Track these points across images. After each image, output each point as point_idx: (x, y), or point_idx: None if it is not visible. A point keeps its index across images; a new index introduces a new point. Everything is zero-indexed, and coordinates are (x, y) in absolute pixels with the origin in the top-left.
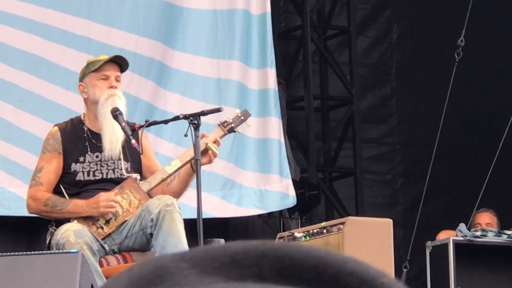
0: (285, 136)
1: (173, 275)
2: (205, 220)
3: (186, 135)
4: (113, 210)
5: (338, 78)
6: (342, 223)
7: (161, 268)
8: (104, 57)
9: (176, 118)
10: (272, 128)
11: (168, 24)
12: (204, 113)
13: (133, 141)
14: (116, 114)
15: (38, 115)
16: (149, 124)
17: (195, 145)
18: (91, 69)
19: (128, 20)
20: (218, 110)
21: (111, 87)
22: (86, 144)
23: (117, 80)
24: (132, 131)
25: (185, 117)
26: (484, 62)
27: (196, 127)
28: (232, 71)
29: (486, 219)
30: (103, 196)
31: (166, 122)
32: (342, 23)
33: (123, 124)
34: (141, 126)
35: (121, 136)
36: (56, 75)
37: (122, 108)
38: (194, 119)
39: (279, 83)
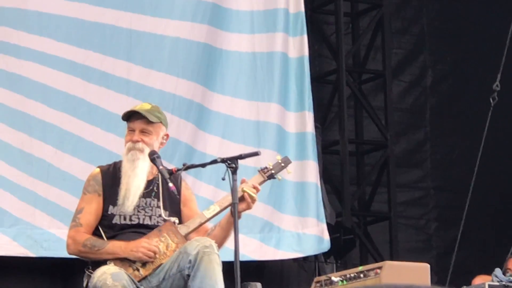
0: (321, 179)
1: None
2: (240, 263)
3: (223, 179)
4: (151, 259)
5: (373, 122)
6: (380, 268)
7: None
8: (140, 107)
9: (214, 161)
10: (310, 171)
11: (207, 66)
12: (241, 157)
13: (170, 184)
14: (154, 157)
15: (77, 156)
16: (187, 167)
17: (233, 189)
18: (124, 119)
19: (168, 62)
20: (255, 154)
21: (132, 140)
22: None
23: (144, 132)
24: (170, 174)
25: (223, 160)
26: None
27: (234, 170)
28: (270, 114)
29: None
30: (144, 242)
31: (204, 165)
32: (377, 67)
33: (161, 167)
34: (178, 170)
35: (137, 193)
36: (96, 116)
37: (146, 165)
38: (231, 163)
39: (315, 127)
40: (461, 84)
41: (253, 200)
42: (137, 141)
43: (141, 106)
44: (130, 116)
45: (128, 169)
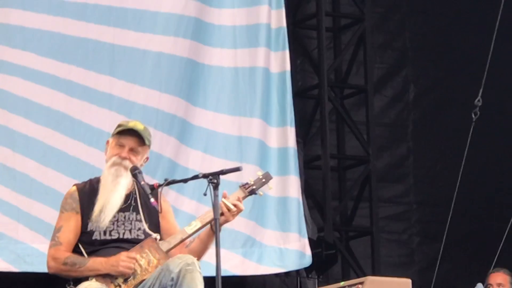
0: (303, 195)
1: None
2: (222, 278)
3: (205, 194)
4: (131, 271)
5: (355, 137)
6: (361, 283)
7: None
8: (129, 123)
9: (195, 177)
10: (292, 186)
11: (190, 81)
12: (223, 172)
13: (152, 199)
14: (135, 172)
15: (60, 171)
16: (168, 183)
17: (214, 204)
18: (115, 132)
19: (151, 77)
20: (237, 170)
21: (120, 156)
22: None
23: (133, 152)
24: (152, 189)
25: (204, 176)
26: (501, 121)
27: (216, 186)
28: (253, 129)
29: (497, 279)
30: (123, 256)
31: (185, 181)
32: (359, 82)
33: (142, 182)
34: (160, 185)
35: (114, 209)
36: (79, 131)
37: (127, 183)
38: (213, 178)
39: (296, 142)
40: (443, 98)
41: (231, 212)
42: (125, 158)
43: (135, 124)
44: (123, 131)
45: (109, 184)
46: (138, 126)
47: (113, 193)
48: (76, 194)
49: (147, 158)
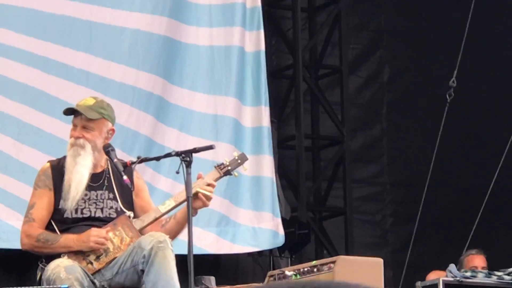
0: (276, 174)
1: None
2: (196, 256)
3: (178, 172)
4: (103, 247)
5: (329, 117)
6: (333, 262)
7: None
8: (83, 102)
9: (168, 155)
10: (265, 166)
11: (167, 59)
12: (196, 150)
13: (124, 177)
14: (108, 150)
15: (37, 148)
16: (141, 160)
17: (187, 182)
18: (67, 114)
19: (128, 54)
20: (210, 148)
21: (74, 136)
22: None
23: (85, 129)
24: (124, 167)
25: (177, 154)
26: (475, 103)
27: (188, 164)
28: (228, 108)
29: (481, 262)
30: (94, 231)
31: (158, 159)
32: (334, 63)
33: (115, 160)
34: (133, 163)
35: (79, 188)
36: (55, 108)
37: (87, 160)
38: (186, 156)
39: (271, 121)
40: (418, 80)
41: (208, 198)
42: (78, 137)
43: (84, 101)
44: (74, 111)
45: (69, 165)
46: (87, 102)
47: (74, 173)
48: (49, 171)
49: (112, 130)
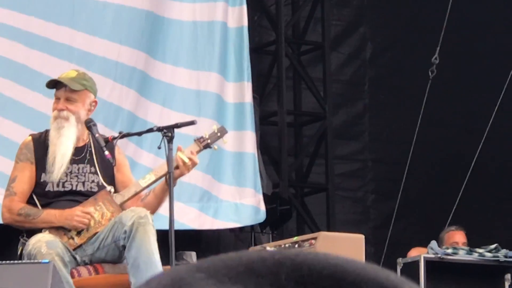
0: (258, 150)
1: (191, 286)
2: (178, 232)
3: (159, 148)
4: (86, 225)
5: (312, 93)
6: (314, 238)
7: (179, 280)
8: (65, 74)
9: (150, 130)
10: (248, 142)
11: (150, 34)
12: (177, 126)
13: (106, 152)
14: (90, 125)
15: (19, 122)
16: (123, 135)
17: (168, 158)
18: (49, 87)
19: (111, 29)
20: (192, 123)
21: (58, 109)
22: None
23: (69, 101)
24: (106, 142)
25: (159, 129)
26: (458, 80)
27: (170, 139)
28: (211, 83)
29: (462, 238)
30: (78, 210)
31: (139, 134)
32: (316, 39)
33: (97, 135)
34: (114, 138)
35: (64, 160)
36: (38, 82)
37: (72, 132)
38: (168, 132)
39: (253, 97)
40: (400, 57)
41: (186, 166)
42: (62, 110)
43: (66, 74)
44: (56, 84)
45: (54, 138)
46: (69, 74)
47: (59, 146)
48: (31, 144)
49: (95, 102)
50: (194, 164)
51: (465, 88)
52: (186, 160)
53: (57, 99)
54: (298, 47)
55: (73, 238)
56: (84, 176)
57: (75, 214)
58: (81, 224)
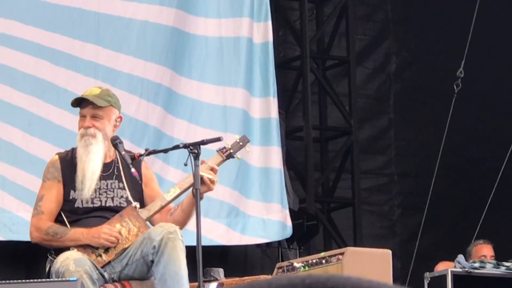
0: (284, 166)
1: None
2: (205, 247)
3: (186, 164)
4: (113, 243)
5: (337, 108)
6: (342, 254)
7: None
8: (89, 92)
9: (176, 147)
10: (274, 157)
11: (175, 50)
12: (204, 142)
13: (132, 169)
14: (115, 142)
15: (46, 139)
16: (149, 153)
17: (195, 174)
18: (74, 106)
19: (136, 46)
20: (218, 140)
21: (84, 127)
22: None
23: (95, 118)
24: (132, 159)
25: (185, 146)
26: (483, 93)
27: (196, 156)
28: (237, 99)
29: (489, 251)
30: (105, 228)
31: (165, 151)
32: (341, 54)
33: (123, 152)
34: (141, 155)
35: (94, 177)
36: (64, 99)
37: (99, 149)
38: (193, 148)
39: (278, 113)
40: (425, 70)
41: (212, 182)
42: (89, 127)
43: (90, 91)
44: (81, 102)
45: (82, 155)
46: (93, 91)
47: (88, 163)
48: (58, 163)
49: (120, 117)
50: (214, 180)
51: (490, 100)
52: (211, 177)
53: (83, 116)
54: (323, 62)
55: (101, 256)
56: (113, 191)
57: (102, 232)
58: (108, 242)
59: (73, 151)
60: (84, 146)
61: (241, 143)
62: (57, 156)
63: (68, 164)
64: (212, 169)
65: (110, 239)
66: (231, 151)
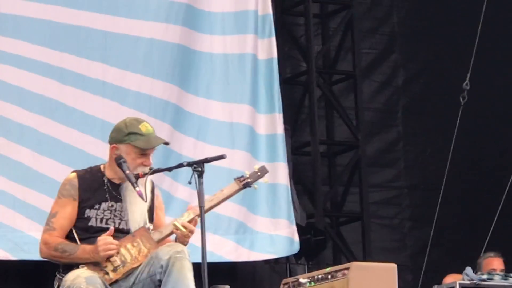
0: (291, 181)
1: None
2: (213, 264)
3: (190, 183)
4: (113, 252)
5: (344, 123)
6: (347, 269)
7: None
8: (147, 130)
9: (180, 165)
10: (280, 173)
11: (182, 67)
12: (207, 160)
13: (137, 188)
14: (120, 162)
15: (55, 158)
16: (153, 171)
17: (199, 192)
18: (132, 142)
19: (143, 63)
20: (221, 157)
21: (145, 164)
22: (106, 194)
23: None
24: (137, 178)
25: (189, 164)
26: (489, 105)
27: (200, 174)
28: (243, 115)
29: (500, 264)
30: (100, 241)
31: (170, 169)
32: (347, 68)
33: (127, 172)
34: (145, 174)
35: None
36: (72, 118)
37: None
38: (197, 167)
39: (284, 128)
40: (432, 83)
41: (185, 235)
42: (150, 165)
43: (152, 130)
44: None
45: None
46: (151, 130)
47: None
48: (75, 181)
49: None
50: (191, 231)
51: (497, 113)
52: (184, 230)
53: (145, 155)
54: (329, 77)
55: (108, 274)
56: (126, 214)
57: (98, 245)
58: (107, 252)
59: (91, 170)
60: (141, 184)
61: (259, 173)
62: (74, 174)
63: (86, 183)
64: (191, 221)
65: (106, 248)
66: (249, 180)
